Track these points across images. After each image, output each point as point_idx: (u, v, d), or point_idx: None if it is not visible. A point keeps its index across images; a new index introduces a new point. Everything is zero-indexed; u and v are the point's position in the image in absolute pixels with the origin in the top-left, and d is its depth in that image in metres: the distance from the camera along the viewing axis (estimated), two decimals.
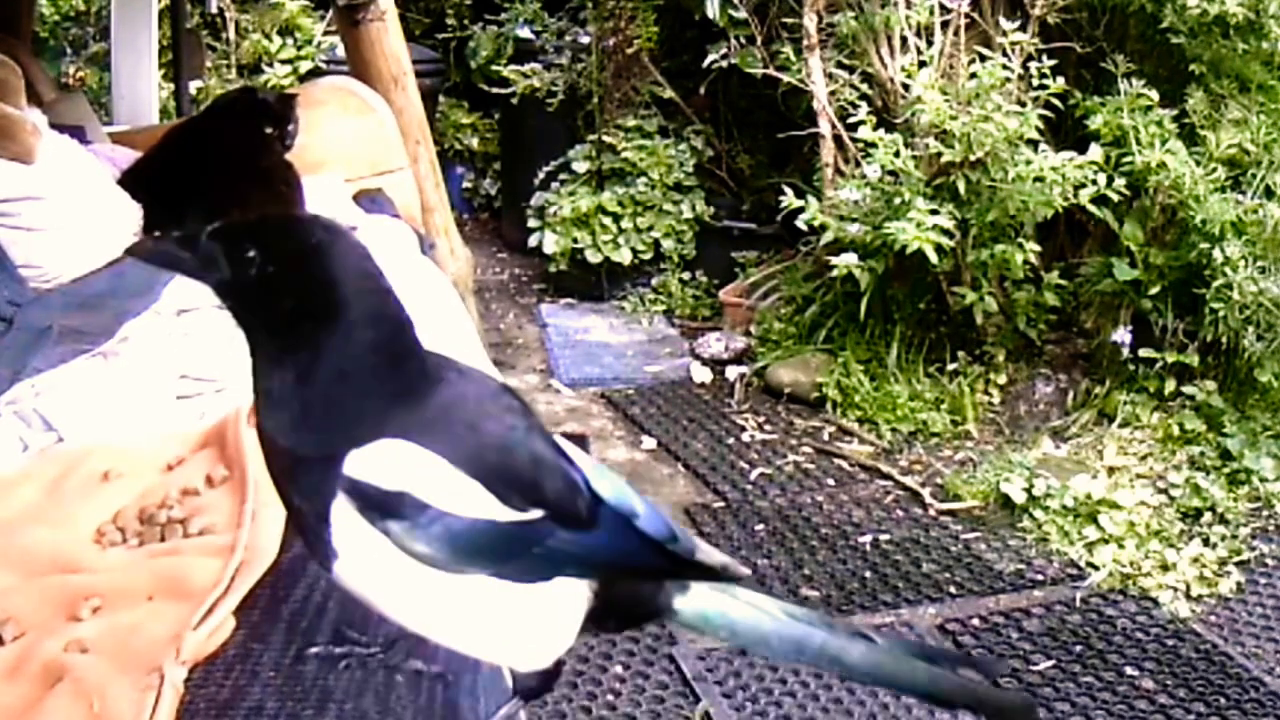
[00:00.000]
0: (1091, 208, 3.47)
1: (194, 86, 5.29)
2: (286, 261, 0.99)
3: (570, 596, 1.06)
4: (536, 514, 1.02)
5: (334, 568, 1.01)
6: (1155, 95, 3.45)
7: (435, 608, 1.02)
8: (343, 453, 0.97)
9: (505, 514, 1.00)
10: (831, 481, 3.44)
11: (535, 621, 1.05)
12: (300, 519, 1.01)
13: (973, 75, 3.54)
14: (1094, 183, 3.41)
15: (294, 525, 1.04)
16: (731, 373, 4.11)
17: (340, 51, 4.71)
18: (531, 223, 5.01)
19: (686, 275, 4.87)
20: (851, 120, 3.75)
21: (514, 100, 5.21)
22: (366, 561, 0.99)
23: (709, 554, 1.13)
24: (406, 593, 1.01)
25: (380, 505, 0.97)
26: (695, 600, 1.11)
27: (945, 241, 3.47)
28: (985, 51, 3.59)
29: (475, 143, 6.02)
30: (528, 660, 1.08)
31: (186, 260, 1.00)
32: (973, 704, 1.14)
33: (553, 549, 1.03)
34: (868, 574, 2.95)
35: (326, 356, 0.97)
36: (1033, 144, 3.47)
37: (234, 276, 0.99)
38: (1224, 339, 3.44)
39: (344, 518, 0.97)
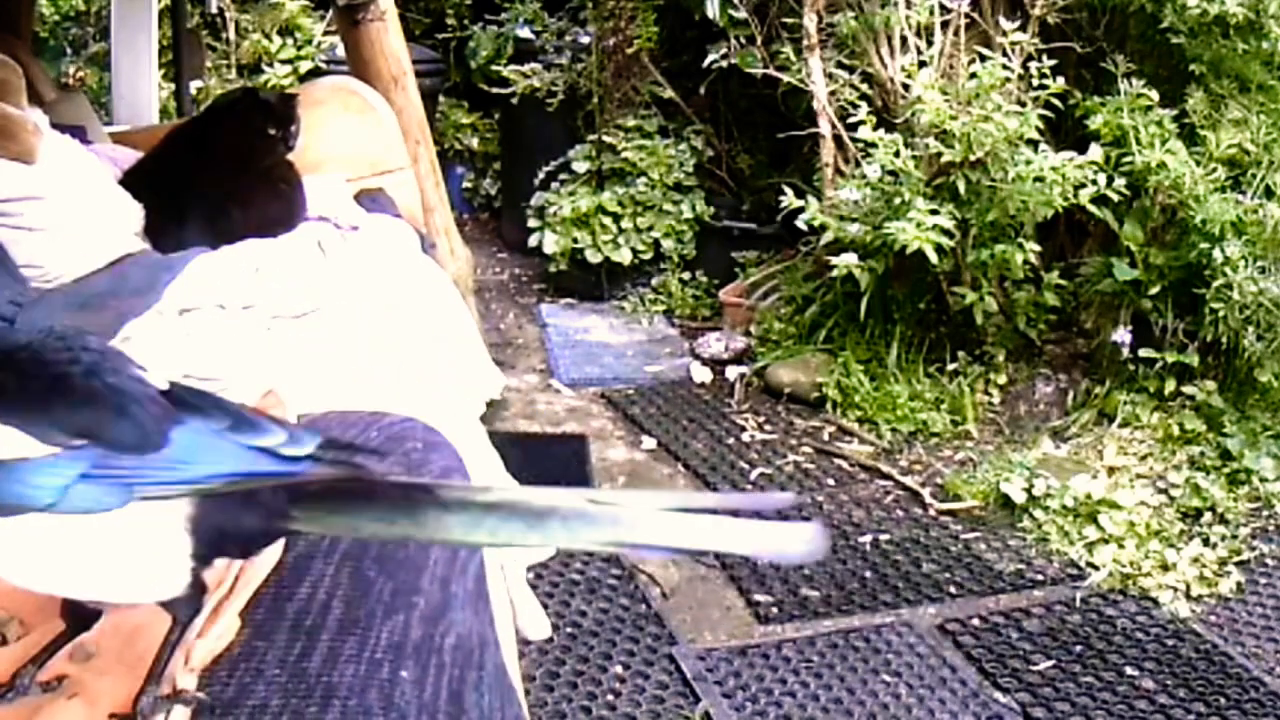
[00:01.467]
0: (1091, 208, 3.47)
1: (194, 86, 5.30)
2: None
3: (152, 521, 1.05)
4: (79, 443, 1.03)
5: None
6: (1155, 95, 3.45)
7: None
8: None
9: (40, 449, 1.01)
10: (831, 481, 3.44)
11: (117, 551, 1.05)
12: None
13: (973, 75, 3.54)
14: (1094, 183, 3.41)
15: None
16: (731, 373, 4.11)
17: (340, 51, 4.71)
18: (531, 223, 5.01)
19: (686, 275, 4.87)
20: (851, 120, 3.76)
21: (514, 100, 5.21)
22: None
23: (349, 449, 1.12)
24: None
25: None
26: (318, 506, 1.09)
27: (945, 241, 3.47)
28: (985, 51, 3.60)
29: (475, 143, 6.02)
30: (129, 592, 1.07)
31: None
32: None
33: (103, 475, 1.03)
34: (868, 574, 2.95)
35: None
36: (1033, 144, 3.47)
37: None
38: (1224, 339, 3.45)
39: None
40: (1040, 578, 2.94)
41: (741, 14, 4.26)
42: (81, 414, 1.04)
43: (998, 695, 2.48)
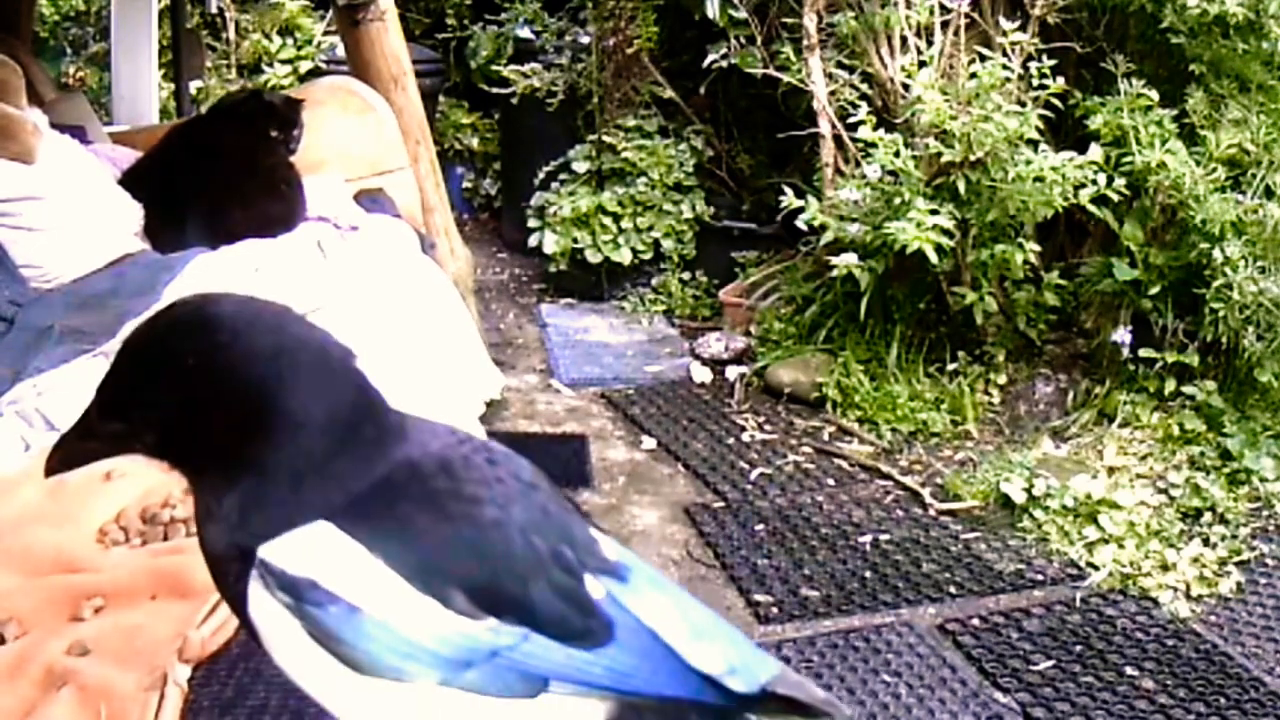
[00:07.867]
0: (1091, 208, 3.47)
1: (194, 86, 5.31)
2: (197, 391, 0.88)
3: (570, 715, 0.93)
4: (492, 621, 0.90)
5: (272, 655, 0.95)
6: (1155, 95, 3.45)
7: (372, 710, 0.91)
8: (262, 541, 0.90)
9: (445, 619, 0.89)
10: (831, 481, 3.44)
11: None
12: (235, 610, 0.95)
13: (973, 75, 3.54)
14: (1094, 183, 3.41)
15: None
16: (731, 373, 4.11)
17: (340, 51, 4.72)
18: (531, 223, 5.01)
19: (686, 275, 4.87)
20: (851, 120, 3.75)
21: (514, 100, 5.21)
22: (285, 645, 0.92)
23: (800, 688, 1.00)
24: (338, 689, 0.92)
25: (290, 588, 0.88)
26: None
27: (945, 241, 3.47)
28: (985, 51, 3.59)
29: (475, 143, 6.03)
30: None
31: (96, 447, 0.91)
32: None
33: (526, 659, 0.91)
34: (868, 574, 2.94)
35: (272, 464, 0.88)
36: (1033, 144, 3.47)
37: (157, 436, 0.90)
38: (1224, 339, 3.44)
39: (258, 597, 0.90)
40: (1040, 578, 2.94)
41: (741, 14, 4.26)
42: (509, 583, 0.90)
43: (998, 695, 2.48)
